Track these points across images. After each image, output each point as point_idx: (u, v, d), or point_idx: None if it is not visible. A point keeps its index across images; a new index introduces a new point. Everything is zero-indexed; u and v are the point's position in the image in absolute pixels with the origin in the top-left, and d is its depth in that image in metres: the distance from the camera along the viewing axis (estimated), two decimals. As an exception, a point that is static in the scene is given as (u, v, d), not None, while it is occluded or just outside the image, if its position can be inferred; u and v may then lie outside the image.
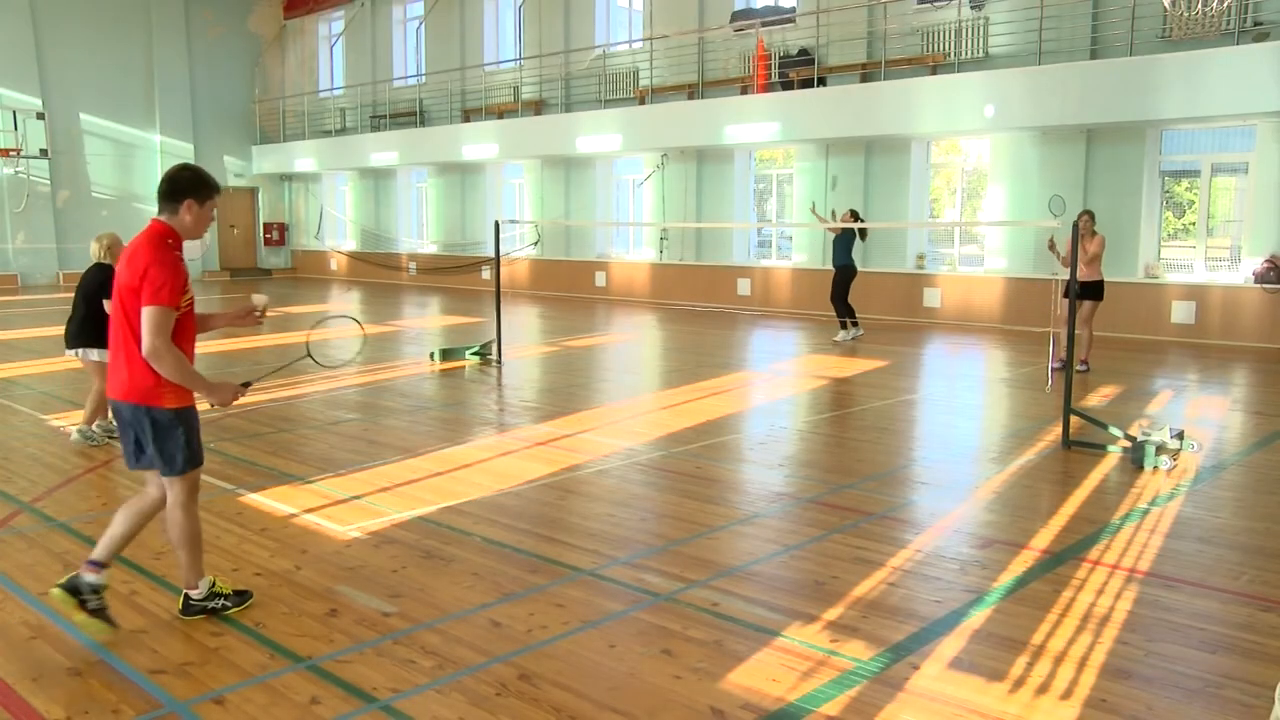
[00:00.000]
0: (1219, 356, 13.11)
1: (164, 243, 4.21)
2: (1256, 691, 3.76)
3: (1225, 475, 7.05)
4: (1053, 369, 10.59)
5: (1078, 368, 11.09)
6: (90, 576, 4.26)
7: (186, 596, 4.46)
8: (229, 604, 4.52)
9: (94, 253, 7.58)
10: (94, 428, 7.84)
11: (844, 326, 14.44)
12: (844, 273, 14.34)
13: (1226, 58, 13.34)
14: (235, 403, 4.50)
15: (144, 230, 4.26)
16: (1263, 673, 3.92)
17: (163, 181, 4.28)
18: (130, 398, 4.23)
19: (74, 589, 4.24)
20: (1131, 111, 14.10)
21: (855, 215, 14.70)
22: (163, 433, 4.24)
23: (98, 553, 4.34)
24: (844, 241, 14.29)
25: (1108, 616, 4.48)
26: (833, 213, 15.55)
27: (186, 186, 4.25)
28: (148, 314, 4.07)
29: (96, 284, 7.33)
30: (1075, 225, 7.91)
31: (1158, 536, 5.62)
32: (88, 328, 7.40)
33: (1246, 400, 10.38)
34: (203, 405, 4.43)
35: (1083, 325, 11.80)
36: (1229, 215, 15.50)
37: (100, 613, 4.25)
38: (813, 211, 15.61)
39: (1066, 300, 11.32)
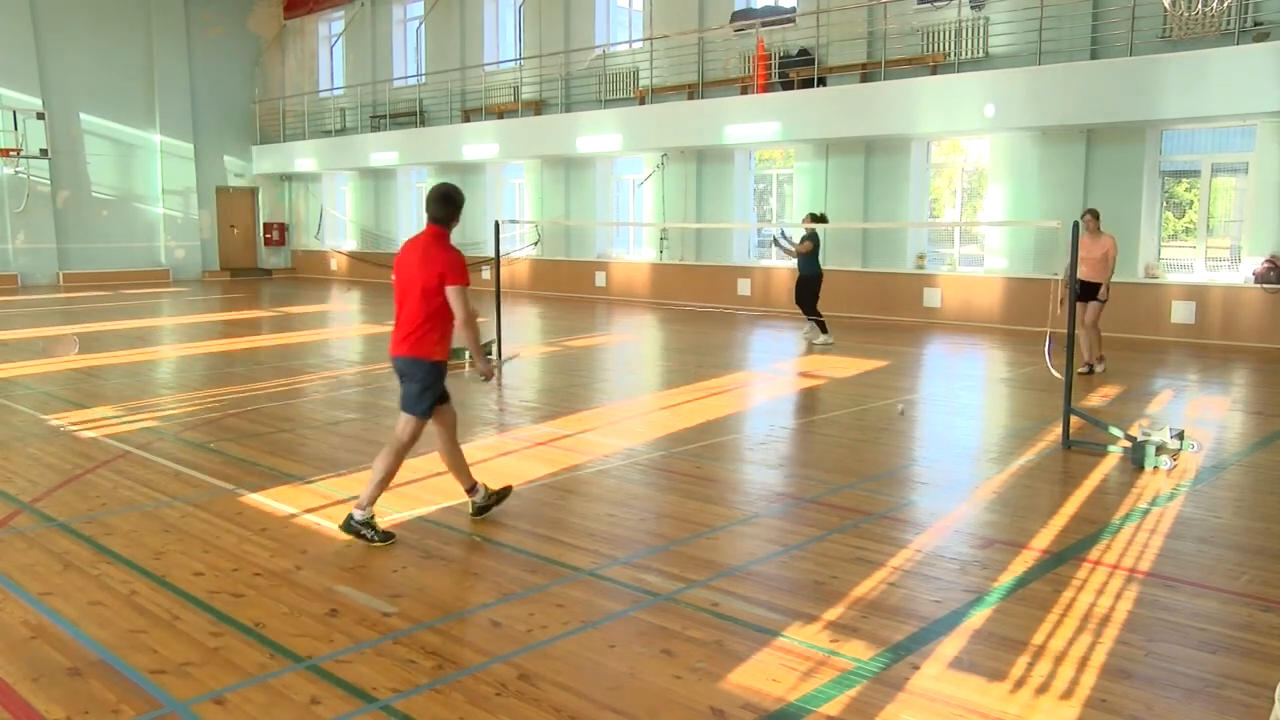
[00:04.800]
0: (1219, 356, 13.11)
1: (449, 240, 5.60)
2: (1256, 691, 3.76)
3: (1225, 475, 7.05)
4: (1049, 350, 10.42)
5: (1081, 370, 11.03)
6: (476, 496, 5.88)
7: (353, 519, 5.52)
8: (371, 535, 5.49)
9: None
10: None
11: (823, 329, 14.14)
12: (812, 281, 14.09)
13: (1226, 58, 13.33)
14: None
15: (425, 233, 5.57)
16: (1263, 673, 3.92)
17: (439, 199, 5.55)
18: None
19: (482, 509, 5.89)
20: (1131, 111, 14.10)
21: (814, 218, 14.33)
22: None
23: (463, 484, 5.89)
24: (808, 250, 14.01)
25: (1108, 616, 4.48)
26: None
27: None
28: (459, 292, 5.42)
29: None
30: (1075, 225, 7.91)
31: (1158, 536, 5.62)
32: None
33: (1246, 400, 10.37)
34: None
35: (1091, 328, 11.44)
36: (1229, 215, 15.49)
37: (499, 498, 5.98)
38: (779, 243, 15.01)
39: (1079, 302, 11.11)
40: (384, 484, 5.59)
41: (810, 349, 13.80)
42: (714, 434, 8.38)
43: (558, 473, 7.06)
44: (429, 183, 26.36)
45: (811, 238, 14.14)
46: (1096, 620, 4.43)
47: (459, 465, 5.85)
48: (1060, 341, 9.57)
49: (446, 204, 5.56)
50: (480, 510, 5.92)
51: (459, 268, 5.44)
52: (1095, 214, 11.31)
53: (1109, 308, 12.17)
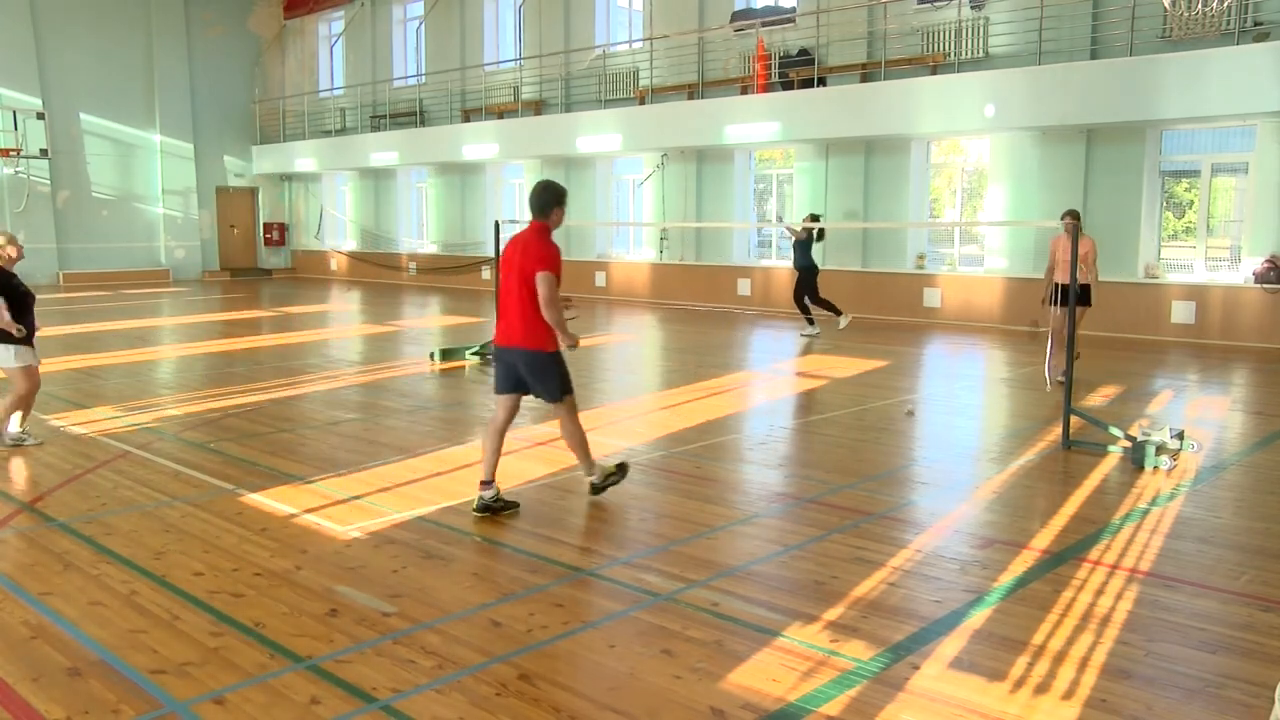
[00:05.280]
0: (1219, 356, 13.11)
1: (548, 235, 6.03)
2: (1256, 691, 3.76)
3: (1225, 475, 7.05)
4: (1056, 381, 10.38)
5: (1059, 378, 10.65)
6: (487, 493, 6.00)
7: (592, 484, 6.30)
8: (616, 478, 6.36)
9: None
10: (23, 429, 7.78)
11: (837, 311, 14.75)
12: (808, 274, 14.63)
13: (1226, 58, 13.33)
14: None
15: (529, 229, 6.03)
16: (1263, 673, 3.92)
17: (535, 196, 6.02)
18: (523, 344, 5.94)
19: (486, 508, 5.99)
20: (1131, 111, 14.10)
21: (815, 218, 15.20)
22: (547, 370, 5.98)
23: (485, 474, 6.04)
24: (803, 245, 14.54)
25: (1108, 616, 4.48)
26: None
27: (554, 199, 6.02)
28: (546, 277, 5.78)
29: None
30: (1075, 227, 7.91)
31: (1158, 536, 5.62)
32: None
33: (1246, 400, 10.37)
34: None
35: (1059, 332, 10.26)
36: (1229, 215, 15.49)
37: (505, 506, 6.05)
38: (783, 224, 15.74)
39: (1053, 307, 10.35)
40: (588, 452, 6.25)
41: (810, 347, 13.86)
42: (714, 434, 8.38)
43: (558, 473, 7.05)
44: (429, 183, 26.48)
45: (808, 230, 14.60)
46: (1096, 620, 4.43)
47: (494, 452, 6.07)
48: (1058, 345, 9.62)
49: (540, 198, 6.02)
50: (483, 509, 5.98)
51: (552, 259, 5.88)
52: (1075, 215, 10.35)
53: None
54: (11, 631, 4.33)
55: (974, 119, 15.62)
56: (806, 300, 14.71)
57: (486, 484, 6.02)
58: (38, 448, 7.75)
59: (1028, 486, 6.79)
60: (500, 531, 5.73)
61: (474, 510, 5.98)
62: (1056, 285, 10.44)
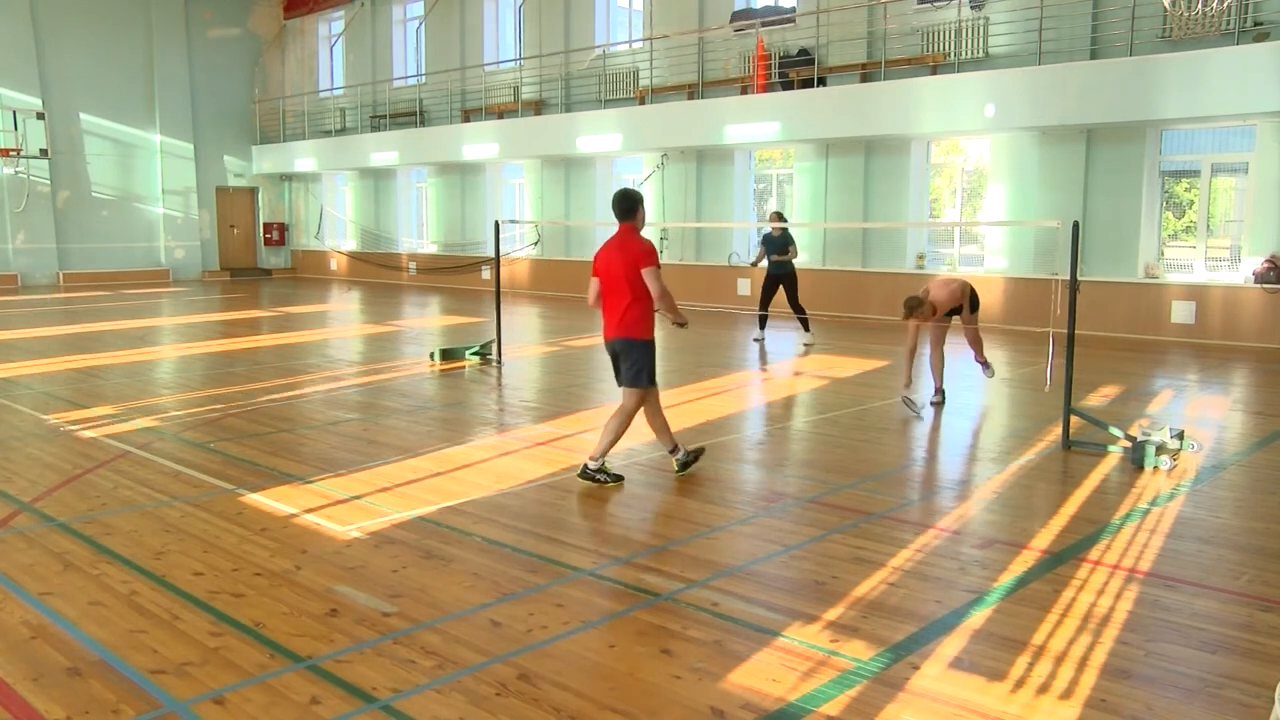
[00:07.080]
0: (1219, 356, 13.11)
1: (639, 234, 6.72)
2: (1256, 691, 3.76)
3: (1225, 475, 7.05)
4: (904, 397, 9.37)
5: (933, 399, 9.84)
6: (678, 455, 6.92)
7: (586, 466, 6.67)
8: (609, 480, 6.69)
9: None
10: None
11: (762, 325, 14.72)
12: (790, 277, 14.42)
13: (1226, 58, 13.33)
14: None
15: (620, 232, 6.73)
16: (1263, 673, 3.92)
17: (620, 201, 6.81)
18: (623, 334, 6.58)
19: (684, 465, 6.90)
20: (1131, 111, 14.10)
21: (781, 216, 15.04)
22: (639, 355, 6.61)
23: (667, 445, 6.92)
24: (779, 246, 14.27)
25: (1108, 616, 4.48)
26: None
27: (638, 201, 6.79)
28: (653, 272, 6.52)
29: None
30: (1075, 224, 7.91)
31: (1158, 536, 5.62)
32: None
33: (1246, 400, 10.37)
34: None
35: (936, 346, 9.95)
36: (1229, 215, 15.49)
37: (698, 455, 7.03)
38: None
39: (938, 322, 9.69)
40: (613, 442, 6.69)
41: (808, 350, 13.80)
42: (714, 434, 8.38)
43: (558, 473, 7.06)
44: (429, 183, 26.49)
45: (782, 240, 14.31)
46: (1096, 620, 4.43)
47: (662, 429, 6.89)
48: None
49: (623, 203, 6.78)
50: (684, 467, 6.88)
51: (651, 254, 6.57)
52: (917, 302, 9.44)
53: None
54: (11, 631, 4.33)
55: (974, 119, 15.62)
56: (764, 301, 14.54)
57: (673, 450, 6.87)
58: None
59: (1028, 486, 6.79)
60: (500, 531, 5.73)
61: (677, 474, 6.87)
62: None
